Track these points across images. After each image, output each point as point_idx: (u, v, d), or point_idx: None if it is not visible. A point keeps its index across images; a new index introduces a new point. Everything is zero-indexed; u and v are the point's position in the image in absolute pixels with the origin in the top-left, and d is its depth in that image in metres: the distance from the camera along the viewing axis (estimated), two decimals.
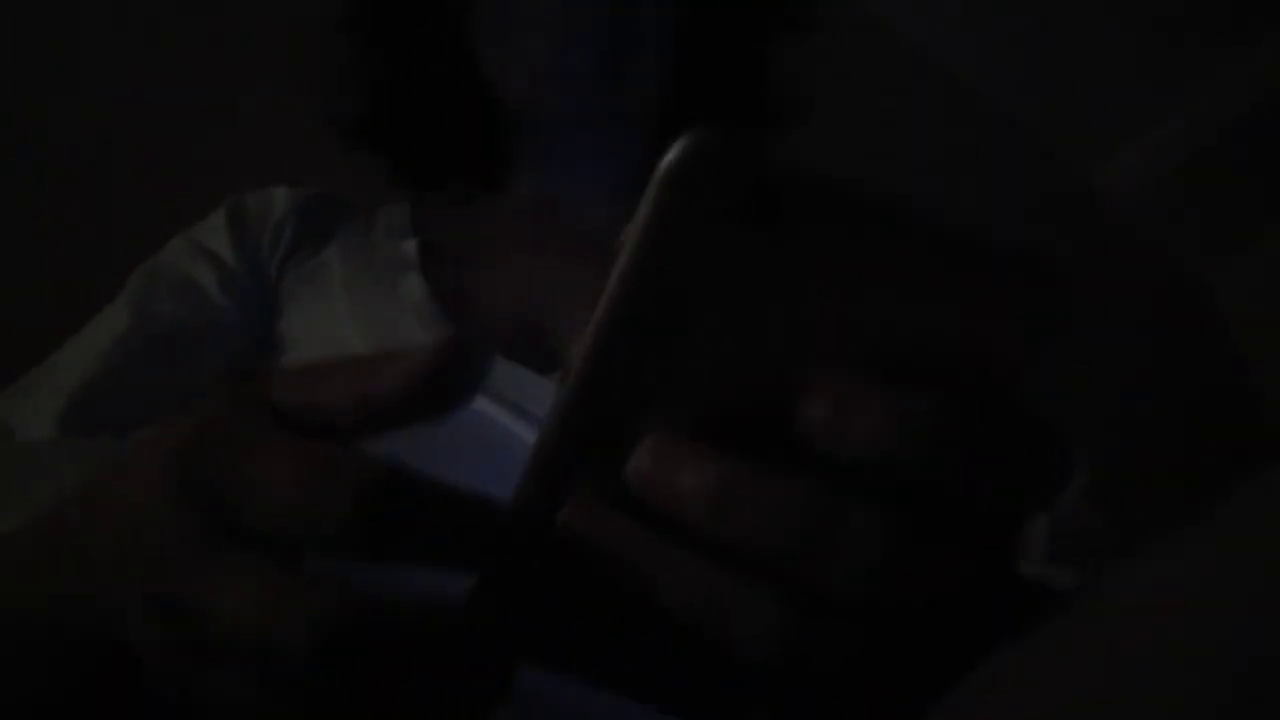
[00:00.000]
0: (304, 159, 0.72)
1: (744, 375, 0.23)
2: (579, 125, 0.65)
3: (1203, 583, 0.22)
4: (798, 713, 0.24)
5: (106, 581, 0.27)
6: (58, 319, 0.59)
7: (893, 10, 1.42)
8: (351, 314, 0.58)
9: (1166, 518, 0.25)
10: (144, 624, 0.25)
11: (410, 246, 0.62)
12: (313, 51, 0.71)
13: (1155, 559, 0.24)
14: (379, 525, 0.23)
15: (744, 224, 0.21)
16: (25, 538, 0.32)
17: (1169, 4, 1.36)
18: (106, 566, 0.27)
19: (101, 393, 0.53)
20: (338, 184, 0.70)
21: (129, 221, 0.62)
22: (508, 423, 0.45)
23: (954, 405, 0.22)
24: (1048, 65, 1.41)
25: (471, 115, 0.69)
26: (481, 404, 0.46)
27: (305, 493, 0.23)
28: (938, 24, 1.41)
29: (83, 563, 0.28)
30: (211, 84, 1.07)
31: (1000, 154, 1.45)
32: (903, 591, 0.22)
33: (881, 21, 1.42)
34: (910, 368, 0.22)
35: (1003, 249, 0.22)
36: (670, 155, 0.21)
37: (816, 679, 0.23)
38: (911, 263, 0.22)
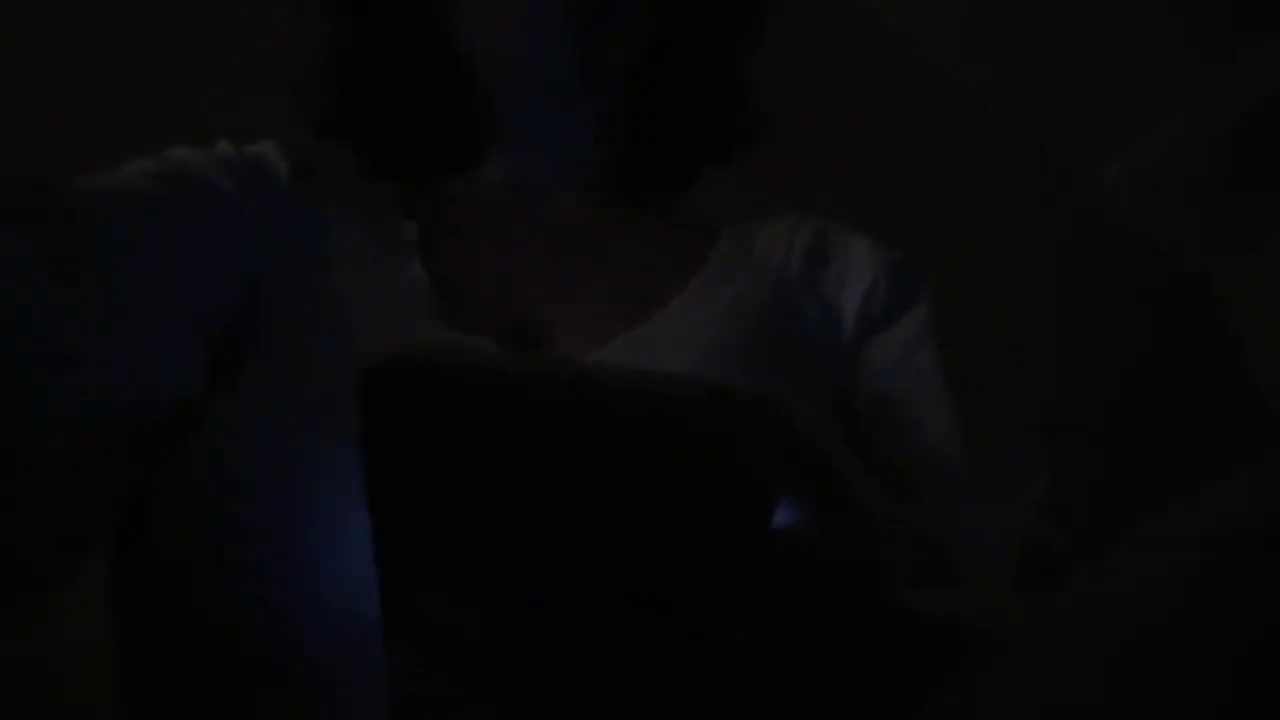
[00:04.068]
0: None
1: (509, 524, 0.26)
2: (550, 92, 0.65)
3: (1198, 577, 0.23)
4: None
5: None
6: None
7: (893, 10, 1.42)
8: (352, 288, 0.57)
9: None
10: None
11: (411, 229, 0.63)
12: (285, 39, 0.71)
13: (1149, 552, 0.24)
14: None
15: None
16: None
17: (1170, 5, 1.36)
18: None
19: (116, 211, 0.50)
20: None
21: None
22: None
23: None
24: (1050, 66, 1.41)
25: (443, 93, 0.68)
26: None
27: None
28: (939, 25, 1.41)
29: None
30: (189, 81, 1.06)
31: (1002, 154, 1.45)
32: None
33: (881, 21, 1.42)
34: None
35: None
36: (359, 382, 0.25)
37: None
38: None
